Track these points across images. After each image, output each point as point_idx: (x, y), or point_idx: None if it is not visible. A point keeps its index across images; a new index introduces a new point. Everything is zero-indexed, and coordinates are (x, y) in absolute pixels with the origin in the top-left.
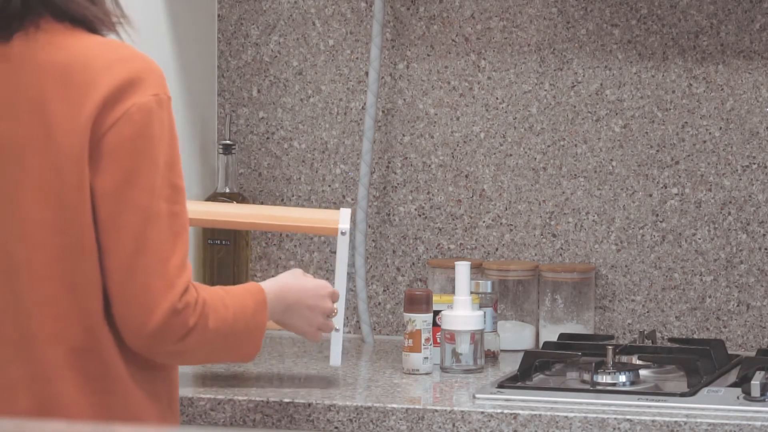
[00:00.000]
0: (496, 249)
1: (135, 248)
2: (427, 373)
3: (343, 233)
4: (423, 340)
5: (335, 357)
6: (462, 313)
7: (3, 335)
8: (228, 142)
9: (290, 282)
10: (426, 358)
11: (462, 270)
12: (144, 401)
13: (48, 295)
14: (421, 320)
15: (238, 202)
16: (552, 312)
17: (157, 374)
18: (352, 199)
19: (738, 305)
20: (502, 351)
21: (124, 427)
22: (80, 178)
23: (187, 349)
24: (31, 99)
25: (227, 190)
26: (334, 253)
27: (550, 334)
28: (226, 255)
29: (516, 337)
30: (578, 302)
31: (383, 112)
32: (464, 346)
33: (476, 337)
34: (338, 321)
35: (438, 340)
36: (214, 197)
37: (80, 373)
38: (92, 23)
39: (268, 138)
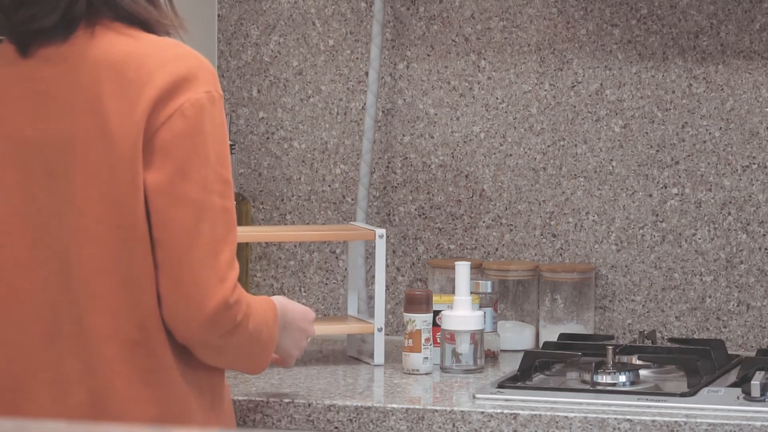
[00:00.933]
0: (496, 249)
1: (187, 242)
2: (427, 373)
3: (380, 237)
4: (423, 340)
5: (379, 356)
6: (462, 313)
7: (60, 330)
8: (228, 142)
9: (285, 302)
10: (426, 358)
11: (462, 270)
12: (190, 396)
13: (102, 291)
14: (421, 320)
15: (238, 202)
16: (552, 312)
17: (204, 371)
18: (352, 199)
19: (738, 305)
20: (502, 351)
21: (123, 426)
22: (134, 174)
23: (227, 345)
24: (88, 97)
25: None
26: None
27: (550, 334)
28: None
29: (516, 337)
30: (578, 302)
31: (383, 112)
32: (464, 346)
33: (476, 337)
34: (379, 321)
35: (438, 340)
36: None
37: (132, 367)
38: (152, 26)
39: (268, 138)
